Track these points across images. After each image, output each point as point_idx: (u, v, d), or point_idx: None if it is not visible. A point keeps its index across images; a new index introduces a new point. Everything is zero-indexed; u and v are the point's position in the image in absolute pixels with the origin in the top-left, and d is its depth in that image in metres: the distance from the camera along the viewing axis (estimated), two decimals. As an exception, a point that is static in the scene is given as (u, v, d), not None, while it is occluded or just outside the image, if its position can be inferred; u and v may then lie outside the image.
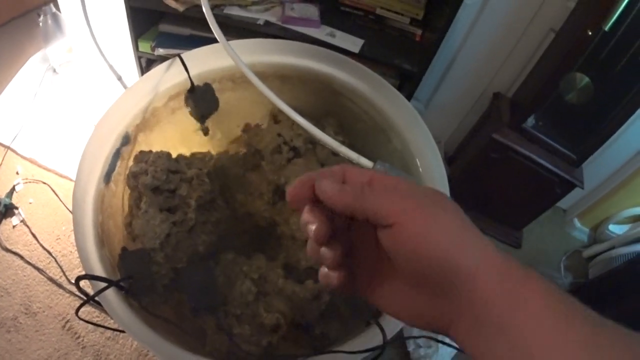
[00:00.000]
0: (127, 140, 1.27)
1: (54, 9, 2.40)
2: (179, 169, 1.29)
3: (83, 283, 0.99)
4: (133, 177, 1.24)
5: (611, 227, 2.52)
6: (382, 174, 0.51)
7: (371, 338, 1.04)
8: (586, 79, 1.81)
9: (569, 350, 0.38)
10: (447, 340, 1.82)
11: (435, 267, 0.44)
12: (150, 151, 1.28)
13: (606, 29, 1.62)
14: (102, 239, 1.14)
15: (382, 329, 1.01)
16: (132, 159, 1.29)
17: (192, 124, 1.36)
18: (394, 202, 0.46)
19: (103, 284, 0.99)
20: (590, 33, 1.66)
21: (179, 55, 1.28)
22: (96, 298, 0.99)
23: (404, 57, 1.85)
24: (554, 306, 0.41)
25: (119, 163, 1.25)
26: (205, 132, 1.37)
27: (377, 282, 0.53)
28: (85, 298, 0.99)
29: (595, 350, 0.38)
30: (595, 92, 1.83)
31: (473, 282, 0.43)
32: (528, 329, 0.40)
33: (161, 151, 1.28)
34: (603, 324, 0.41)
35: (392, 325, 1.04)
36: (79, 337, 1.81)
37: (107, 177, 1.21)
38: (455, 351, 1.86)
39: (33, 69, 2.68)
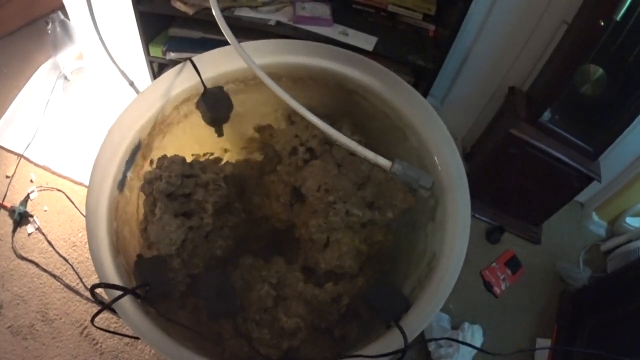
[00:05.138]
0: (139, 146, 1.26)
1: (62, 17, 2.40)
2: (194, 174, 1.28)
3: (100, 290, 0.98)
4: (147, 183, 1.23)
5: (628, 219, 2.49)
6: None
7: (392, 341, 1.02)
8: (600, 71, 1.80)
9: None
10: (467, 340, 1.82)
11: None
12: (164, 156, 1.27)
13: (617, 18, 1.60)
14: (117, 247, 1.13)
15: (403, 332, 0.99)
16: (145, 164, 1.28)
17: (206, 127, 1.35)
18: None
19: (118, 292, 0.98)
20: (602, 23, 1.64)
21: (190, 59, 1.27)
22: (112, 306, 0.98)
23: (418, 54, 1.83)
24: None
25: (132, 169, 1.25)
26: (220, 134, 1.36)
27: None
28: (101, 306, 0.98)
29: None
30: (609, 84, 1.81)
31: None
32: None
33: (175, 156, 1.27)
34: None
35: (413, 328, 1.02)
36: (97, 344, 1.80)
37: (121, 183, 1.20)
38: (475, 351, 1.84)
39: (44, 76, 2.68)
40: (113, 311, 1.00)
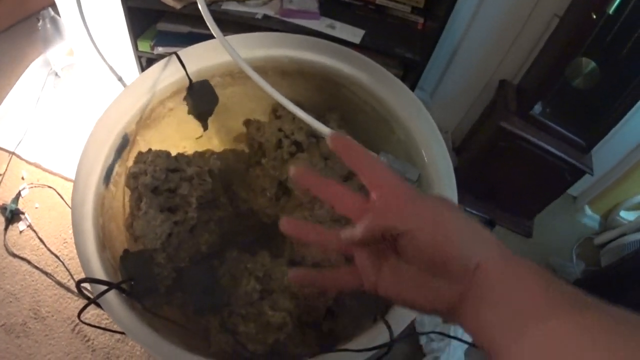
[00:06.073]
0: (126, 140, 1.25)
1: (52, 13, 2.40)
2: (179, 168, 1.27)
3: (89, 286, 0.99)
4: (132, 178, 1.22)
5: (622, 213, 2.49)
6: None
7: (379, 335, 1.01)
8: (592, 64, 1.79)
9: (556, 310, 0.44)
10: (459, 335, 1.81)
11: (450, 261, 0.51)
12: (149, 150, 1.27)
13: (610, 12, 1.60)
14: (104, 242, 1.13)
15: (389, 327, 0.98)
16: (131, 159, 1.27)
17: (192, 121, 1.34)
18: (409, 217, 0.53)
19: (104, 287, 0.98)
20: (594, 17, 1.63)
21: (175, 53, 1.26)
22: (98, 301, 0.98)
23: (406, 47, 1.82)
24: (545, 281, 0.47)
25: (118, 164, 1.24)
26: (205, 128, 1.35)
27: (386, 272, 0.58)
28: (88, 301, 0.98)
29: (580, 312, 0.43)
30: (601, 77, 1.80)
31: (481, 270, 0.50)
32: (521, 297, 0.47)
33: (160, 150, 1.27)
34: (589, 301, 0.45)
35: (400, 322, 1.02)
36: (88, 340, 1.80)
37: (107, 178, 1.20)
38: (467, 345, 1.84)
39: (35, 73, 2.68)
40: (99, 306, 1.00)
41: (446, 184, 1.20)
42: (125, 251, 1.14)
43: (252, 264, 1.24)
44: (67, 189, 2.21)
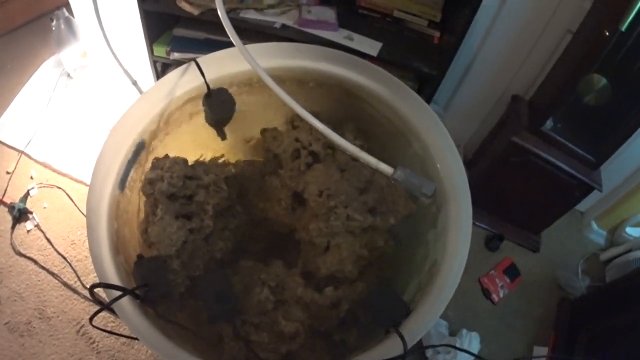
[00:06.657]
0: (142, 146, 1.25)
1: (66, 14, 2.40)
2: (196, 175, 1.27)
3: (98, 289, 0.98)
4: (149, 184, 1.23)
5: (628, 229, 2.49)
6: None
7: (391, 347, 1.02)
8: (604, 81, 1.79)
9: None
10: (464, 347, 1.81)
11: None
12: (167, 157, 1.27)
13: (623, 29, 1.60)
14: (118, 246, 1.13)
15: (402, 339, 0.99)
16: (147, 165, 1.27)
17: (209, 128, 1.35)
18: None
19: (117, 292, 0.98)
20: (607, 34, 1.63)
21: (194, 60, 1.26)
22: (111, 306, 0.98)
23: (422, 60, 1.82)
24: None
25: (134, 169, 1.24)
26: (223, 137, 1.35)
27: None
28: (100, 306, 0.97)
29: None
30: (613, 94, 1.80)
31: None
32: None
33: (177, 157, 1.27)
34: None
35: (413, 335, 1.02)
36: (93, 342, 1.80)
37: (122, 183, 1.20)
38: (473, 358, 1.84)
39: (47, 73, 2.68)
40: (112, 311, 0.99)
41: (461, 198, 1.20)
42: (140, 256, 1.14)
43: (266, 274, 1.24)
44: (76, 190, 2.21)
